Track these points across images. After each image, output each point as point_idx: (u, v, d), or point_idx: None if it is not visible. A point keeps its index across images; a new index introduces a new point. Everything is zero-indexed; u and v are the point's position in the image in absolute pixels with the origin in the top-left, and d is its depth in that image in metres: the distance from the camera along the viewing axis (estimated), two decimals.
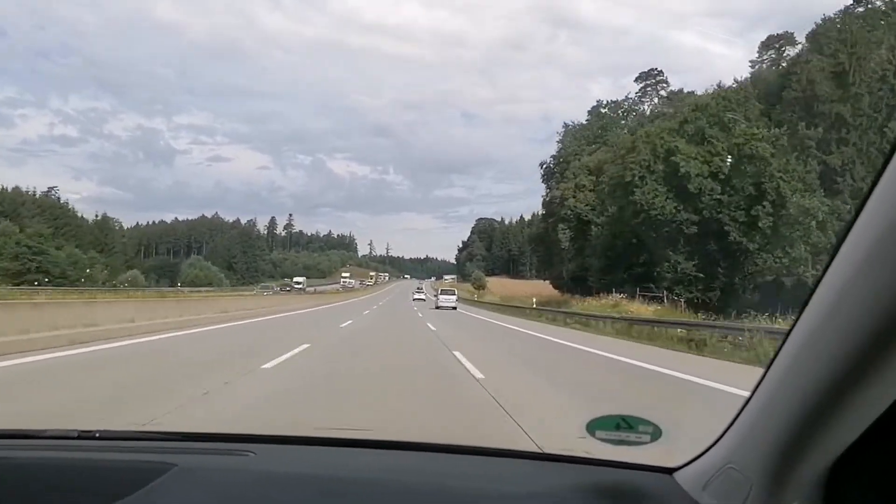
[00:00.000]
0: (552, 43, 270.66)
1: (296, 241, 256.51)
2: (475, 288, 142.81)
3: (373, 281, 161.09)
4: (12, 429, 1.92)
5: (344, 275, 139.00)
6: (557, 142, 73.74)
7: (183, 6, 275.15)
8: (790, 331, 1.03)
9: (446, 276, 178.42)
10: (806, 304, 0.97)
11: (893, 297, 0.78)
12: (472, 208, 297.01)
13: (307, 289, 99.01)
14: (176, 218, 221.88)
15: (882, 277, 0.80)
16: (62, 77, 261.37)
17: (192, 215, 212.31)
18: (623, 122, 74.67)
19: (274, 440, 1.98)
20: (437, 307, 45.60)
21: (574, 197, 62.46)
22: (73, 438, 1.80)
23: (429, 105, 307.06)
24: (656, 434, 1.53)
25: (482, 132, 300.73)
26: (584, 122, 75.24)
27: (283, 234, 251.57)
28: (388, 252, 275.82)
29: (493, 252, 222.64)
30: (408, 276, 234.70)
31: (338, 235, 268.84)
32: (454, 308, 45.56)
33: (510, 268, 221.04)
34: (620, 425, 1.53)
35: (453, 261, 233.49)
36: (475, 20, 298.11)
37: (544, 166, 75.87)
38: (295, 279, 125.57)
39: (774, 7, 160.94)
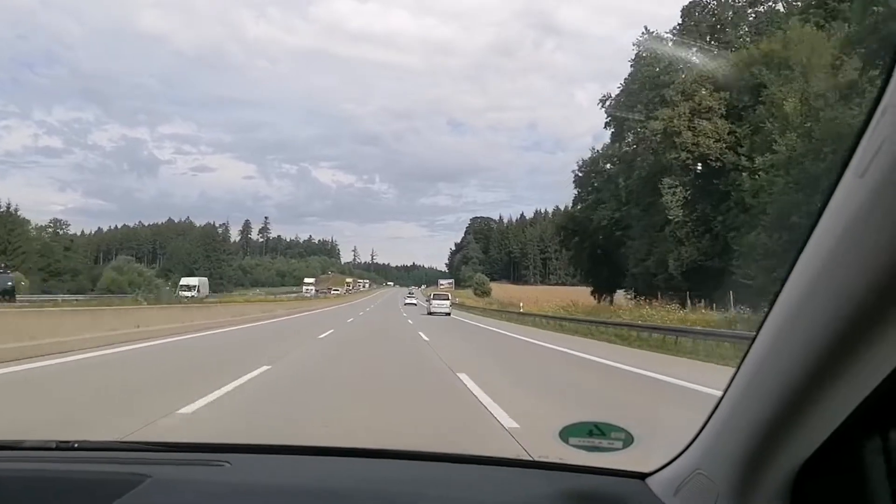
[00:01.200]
0: (540, 49, 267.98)
1: (273, 246, 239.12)
2: (477, 294, 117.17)
3: (343, 290, 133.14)
4: None
5: (307, 281, 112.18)
6: (630, 63, 46.79)
7: (168, 16, 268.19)
8: (756, 334, 1.00)
9: (442, 281, 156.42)
10: (772, 306, 0.95)
11: (856, 299, 0.76)
12: (458, 216, 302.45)
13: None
14: (140, 222, 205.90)
15: (845, 278, 0.78)
16: (46, 88, 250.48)
17: (161, 220, 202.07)
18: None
19: (250, 449, 1.96)
20: (430, 313, 42.78)
21: (691, 129, 35.83)
22: (51, 449, 1.79)
23: (417, 113, 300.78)
24: (628, 441, 1.52)
25: (470, 140, 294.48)
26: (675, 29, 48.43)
27: (260, 239, 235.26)
28: (373, 259, 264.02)
29: (490, 255, 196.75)
30: (391, 284, 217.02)
31: (319, 241, 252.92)
32: (448, 314, 42.56)
33: (511, 272, 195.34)
34: (593, 432, 1.52)
35: (441, 268, 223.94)
36: (464, 27, 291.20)
37: (606, 102, 49.21)
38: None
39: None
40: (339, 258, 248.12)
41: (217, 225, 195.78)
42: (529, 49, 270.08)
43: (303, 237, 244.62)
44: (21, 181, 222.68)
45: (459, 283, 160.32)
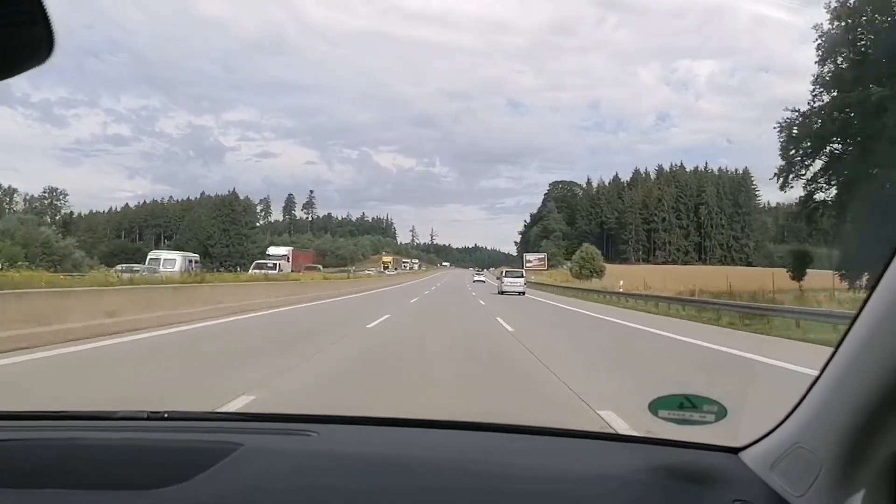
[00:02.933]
0: (600, 26, 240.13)
1: (322, 225, 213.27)
2: (579, 276, 76.83)
3: (378, 270, 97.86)
4: (84, 410, 1.92)
5: (272, 252, 72.87)
6: None
7: (228, 0, 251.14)
8: (863, 305, 0.99)
9: (529, 256, 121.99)
10: (879, 279, 0.94)
11: None
12: (518, 199, 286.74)
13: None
14: (171, 197, 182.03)
15: None
16: (112, 76, 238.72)
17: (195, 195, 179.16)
18: None
19: (336, 420, 1.99)
20: (501, 292, 39.75)
21: None
22: (142, 419, 1.84)
23: (473, 94, 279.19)
24: (721, 414, 1.49)
25: (528, 121, 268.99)
26: None
27: (306, 215, 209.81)
28: (432, 239, 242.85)
29: (577, 226, 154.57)
30: (447, 264, 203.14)
31: (373, 219, 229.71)
32: (522, 293, 39.47)
33: (605, 248, 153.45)
34: (684, 404, 1.48)
35: (506, 249, 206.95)
36: (520, 4, 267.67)
37: None
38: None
39: None
40: (395, 237, 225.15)
41: (241, 196, 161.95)
42: (590, 26, 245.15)
43: (355, 215, 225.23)
44: (91, 169, 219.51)
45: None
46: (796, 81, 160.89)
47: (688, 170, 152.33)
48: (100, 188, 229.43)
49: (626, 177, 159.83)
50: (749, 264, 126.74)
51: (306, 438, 1.70)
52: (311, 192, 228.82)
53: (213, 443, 1.61)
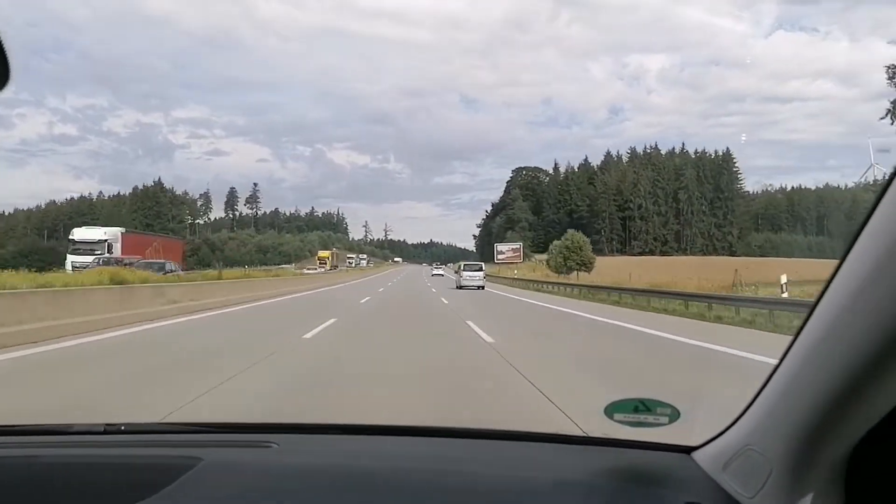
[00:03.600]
0: (554, 22, 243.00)
1: (269, 221, 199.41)
2: (567, 266, 62.19)
3: (320, 268, 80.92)
4: (38, 425, 1.86)
5: (77, 234, 53.92)
6: None
7: None
8: (813, 307, 0.98)
9: (502, 247, 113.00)
10: (831, 279, 0.92)
11: None
12: (473, 195, 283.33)
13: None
14: (101, 193, 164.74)
15: None
16: (57, 75, 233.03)
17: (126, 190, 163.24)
18: None
19: (295, 429, 1.95)
20: (460, 287, 38.44)
21: None
22: (99, 433, 1.78)
23: (429, 90, 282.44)
24: (674, 416, 1.51)
25: (483, 117, 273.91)
26: None
27: (249, 211, 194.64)
28: (386, 235, 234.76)
29: (544, 216, 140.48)
30: (399, 260, 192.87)
31: (323, 214, 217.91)
32: (481, 287, 38.68)
33: None
34: (639, 408, 1.51)
35: (462, 245, 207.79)
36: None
37: None
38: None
39: None
40: (346, 233, 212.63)
41: (166, 186, 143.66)
42: (544, 22, 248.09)
43: (304, 210, 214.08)
44: (37, 169, 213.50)
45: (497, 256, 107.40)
46: (745, 74, 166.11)
47: (663, 152, 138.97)
48: (47, 189, 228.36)
49: (596, 161, 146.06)
50: (732, 254, 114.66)
51: (267, 450, 1.66)
52: (255, 185, 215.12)
53: (173, 458, 1.58)
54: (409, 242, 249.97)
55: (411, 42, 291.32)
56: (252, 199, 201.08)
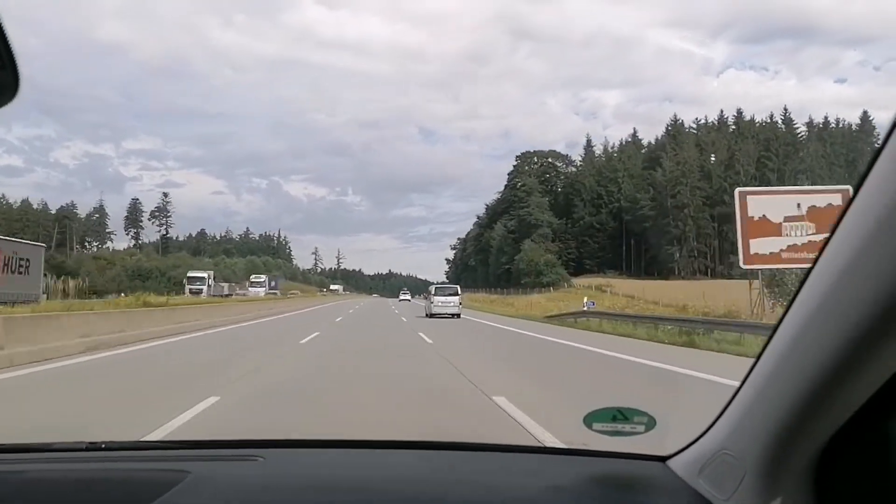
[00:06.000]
0: (513, 55, 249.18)
1: (193, 245, 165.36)
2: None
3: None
4: (19, 443, 1.84)
5: None
6: None
7: (129, 24, 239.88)
8: (783, 316, 1.03)
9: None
10: (800, 289, 0.97)
11: (887, 287, 0.77)
12: (431, 227, 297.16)
13: None
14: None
15: (878, 265, 0.78)
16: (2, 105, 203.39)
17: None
18: None
19: (280, 444, 1.95)
20: (431, 315, 32.85)
21: None
22: (81, 451, 1.76)
23: (387, 122, 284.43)
24: (650, 424, 1.54)
25: (441, 149, 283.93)
26: None
27: (160, 230, 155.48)
28: (339, 264, 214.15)
29: (574, 216, 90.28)
30: (338, 288, 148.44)
31: (260, 236, 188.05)
32: (457, 315, 32.83)
33: (626, 253, 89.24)
34: (617, 417, 1.54)
35: (421, 276, 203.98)
36: (435, 32, 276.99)
37: None
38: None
39: (734, 19, 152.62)
40: (289, 259, 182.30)
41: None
42: (503, 55, 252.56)
43: (237, 233, 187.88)
44: None
45: (495, 284, 58.06)
46: (699, 110, 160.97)
47: (758, 120, 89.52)
48: None
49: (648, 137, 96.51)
50: None
51: (253, 464, 1.65)
52: (165, 194, 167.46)
53: (159, 472, 1.55)
54: (367, 273, 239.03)
55: (370, 74, 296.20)
56: (159, 214, 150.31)
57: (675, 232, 79.78)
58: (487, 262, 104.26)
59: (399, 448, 1.92)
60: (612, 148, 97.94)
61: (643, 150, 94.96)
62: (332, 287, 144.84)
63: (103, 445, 1.78)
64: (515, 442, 4.79)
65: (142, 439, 3.67)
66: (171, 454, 1.82)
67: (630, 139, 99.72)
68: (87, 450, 1.75)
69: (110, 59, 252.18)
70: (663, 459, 1.53)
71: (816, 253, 0.92)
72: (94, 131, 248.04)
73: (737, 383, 1.24)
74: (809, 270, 0.94)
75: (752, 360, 1.21)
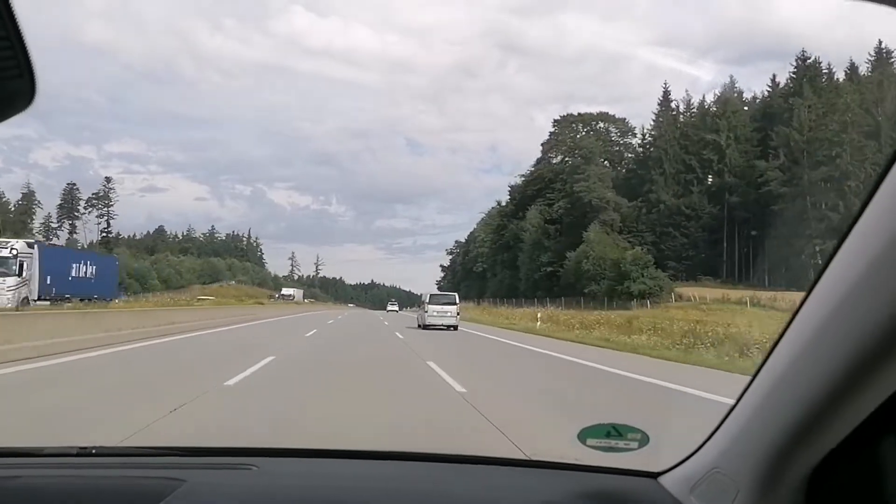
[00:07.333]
0: (502, 70, 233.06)
1: (149, 243, 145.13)
2: None
3: None
4: (10, 447, 1.83)
5: None
6: None
7: (115, 26, 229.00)
8: (780, 337, 1.03)
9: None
10: (797, 312, 0.97)
11: (889, 310, 0.77)
12: (415, 239, 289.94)
13: None
14: None
15: (881, 288, 0.79)
16: None
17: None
18: None
19: (274, 453, 1.96)
20: (424, 326, 28.84)
21: None
22: (72, 456, 1.75)
23: (374, 132, 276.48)
24: (644, 441, 1.55)
25: (428, 161, 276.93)
26: None
27: (104, 230, 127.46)
28: (317, 271, 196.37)
29: (651, 201, 60.89)
30: (290, 293, 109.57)
31: (228, 235, 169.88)
32: (454, 327, 28.32)
33: (736, 254, 61.33)
34: (611, 433, 1.54)
35: (405, 287, 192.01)
36: (425, 44, 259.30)
37: None
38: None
39: (721, 39, 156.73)
40: (261, 265, 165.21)
41: None
42: (492, 69, 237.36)
43: (202, 230, 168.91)
44: None
45: (508, 291, 35.80)
46: None
47: None
48: None
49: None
50: None
51: (248, 472, 1.66)
52: (108, 179, 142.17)
53: (155, 479, 1.54)
54: (348, 282, 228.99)
55: (359, 84, 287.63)
56: (98, 202, 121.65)
57: (821, 221, 51.57)
58: (514, 264, 77.16)
59: (392, 459, 1.89)
60: (706, 103, 69.90)
61: (752, 104, 67.31)
62: (284, 292, 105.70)
63: (94, 451, 1.74)
64: None
65: (131, 445, 3.67)
66: (164, 461, 1.76)
67: (725, 86, 71.77)
68: (77, 455, 1.71)
69: (96, 62, 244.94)
70: (655, 476, 1.51)
71: (820, 268, 0.90)
72: (77, 133, 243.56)
73: None
74: (810, 290, 0.92)
75: None
